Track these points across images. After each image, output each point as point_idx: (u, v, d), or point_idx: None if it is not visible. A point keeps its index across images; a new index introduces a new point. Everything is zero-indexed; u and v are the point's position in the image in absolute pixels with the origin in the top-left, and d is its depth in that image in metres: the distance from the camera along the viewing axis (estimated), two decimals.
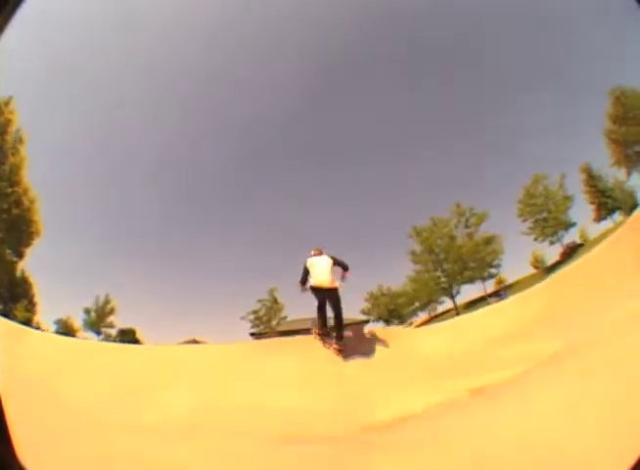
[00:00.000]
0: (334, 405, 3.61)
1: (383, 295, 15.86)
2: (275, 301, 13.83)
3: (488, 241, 15.96)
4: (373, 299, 15.65)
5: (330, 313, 4.33)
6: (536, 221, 18.67)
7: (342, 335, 4.20)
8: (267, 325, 13.51)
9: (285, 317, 13.84)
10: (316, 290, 4.27)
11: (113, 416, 3.38)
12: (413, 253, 16.18)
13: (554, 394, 2.65)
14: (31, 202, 13.30)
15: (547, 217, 18.75)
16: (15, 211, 13.10)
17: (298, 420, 3.36)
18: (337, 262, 4.45)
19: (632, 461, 1.29)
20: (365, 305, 15.80)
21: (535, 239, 19.66)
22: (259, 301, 13.63)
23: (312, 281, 4.32)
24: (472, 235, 15.73)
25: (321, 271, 4.29)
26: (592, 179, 22.05)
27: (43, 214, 13.30)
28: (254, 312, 13.56)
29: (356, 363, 4.18)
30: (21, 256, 13.37)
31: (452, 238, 15.67)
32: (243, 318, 13.61)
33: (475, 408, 3.05)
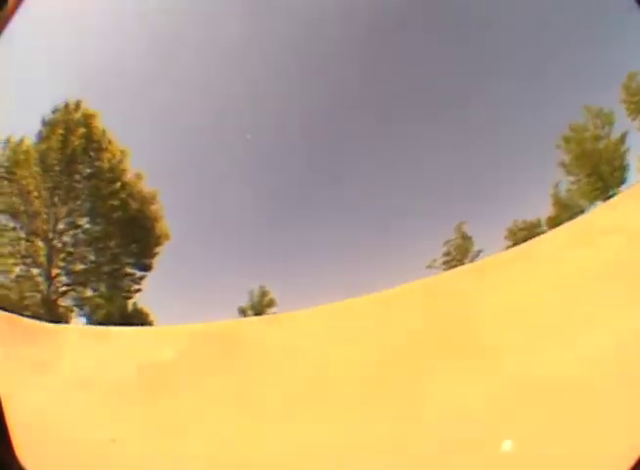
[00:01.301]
0: None
1: (520, 229, 15.86)
2: (464, 236, 13.81)
3: (622, 140, 16.02)
4: (511, 235, 15.48)
5: None
6: None
7: None
8: (461, 263, 13.47)
9: (479, 251, 13.71)
10: None
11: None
12: (564, 164, 16.29)
13: None
14: (152, 196, 11.57)
15: None
16: (134, 205, 11.34)
17: None
18: None
19: (632, 461, 1.31)
20: (505, 243, 15.27)
21: None
22: (446, 242, 13.42)
23: None
24: (608, 135, 15.95)
25: None
26: None
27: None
28: (446, 254, 13.39)
29: None
30: (146, 268, 11.60)
31: (597, 139, 15.90)
32: (429, 267, 13.14)
33: None
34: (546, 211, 16.46)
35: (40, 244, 12.09)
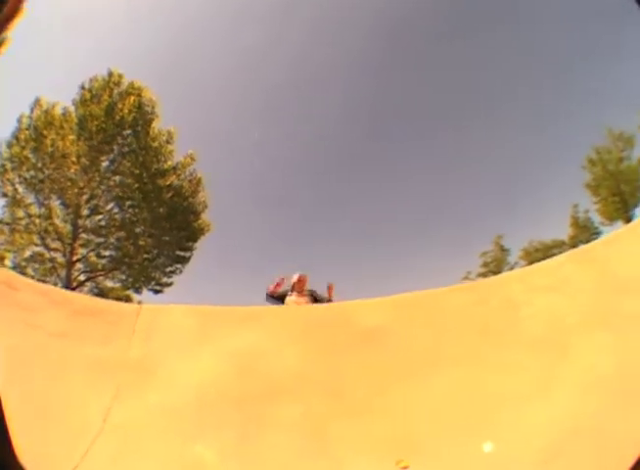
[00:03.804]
0: None
1: (536, 250, 15.41)
2: (502, 248, 13.88)
3: None
4: (527, 255, 15.15)
5: None
6: None
7: None
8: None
9: (515, 264, 13.91)
10: None
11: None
12: (589, 185, 16.56)
13: None
14: (199, 181, 10.35)
15: None
16: (185, 189, 10.23)
17: None
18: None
19: (632, 461, 1.26)
20: (521, 264, 15.12)
21: None
22: (482, 254, 13.26)
23: None
24: (629, 157, 15.80)
25: None
26: None
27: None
28: (485, 265, 13.26)
29: None
30: (184, 261, 10.51)
31: (621, 160, 16.07)
32: (465, 279, 12.39)
33: None
34: (564, 232, 16.18)
35: (62, 223, 10.59)
